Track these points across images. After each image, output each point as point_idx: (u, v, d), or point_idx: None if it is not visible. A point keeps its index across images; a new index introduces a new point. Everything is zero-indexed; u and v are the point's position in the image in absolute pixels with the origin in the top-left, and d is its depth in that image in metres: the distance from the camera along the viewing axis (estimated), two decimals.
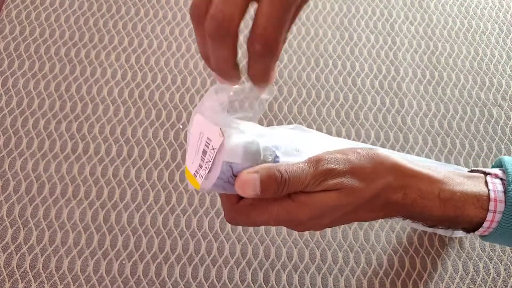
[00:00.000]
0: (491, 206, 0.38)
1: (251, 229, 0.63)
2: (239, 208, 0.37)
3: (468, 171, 0.44)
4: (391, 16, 0.82)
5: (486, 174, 0.41)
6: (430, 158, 0.69)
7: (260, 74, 0.29)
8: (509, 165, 0.39)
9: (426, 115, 0.73)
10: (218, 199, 0.64)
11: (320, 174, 0.35)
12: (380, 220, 0.64)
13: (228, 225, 0.63)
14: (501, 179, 0.40)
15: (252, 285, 0.59)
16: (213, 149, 0.34)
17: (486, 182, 0.40)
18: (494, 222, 0.38)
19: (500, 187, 0.39)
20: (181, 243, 0.61)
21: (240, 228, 0.63)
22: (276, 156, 0.36)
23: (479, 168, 0.42)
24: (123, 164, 0.66)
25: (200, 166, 0.36)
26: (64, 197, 0.64)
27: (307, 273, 0.61)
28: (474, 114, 0.74)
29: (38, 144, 0.67)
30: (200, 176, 0.36)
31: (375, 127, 0.71)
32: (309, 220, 0.36)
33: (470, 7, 0.84)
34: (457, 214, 0.38)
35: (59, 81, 0.72)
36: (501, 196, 0.38)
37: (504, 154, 0.70)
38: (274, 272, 0.60)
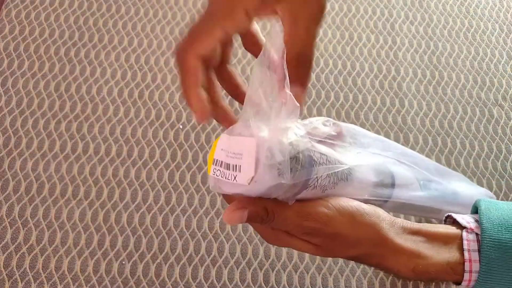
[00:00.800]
0: (467, 266, 0.39)
1: (251, 229, 0.63)
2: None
3: (446, 217, 0.45)
4: (392, 16, 0.82)
5: (462, 228, 0.42)
6: (430, 158, 0.69)
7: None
8: (485, 219, 0.40)
9: (426, 115, 0.73)
10: (218, 199, 0.64)
11: (305, 228, 0.36)
12: None
13: (228, 225, 0.63)
14: (476, 233, 0.40)
15: (252, 285, 0.59)
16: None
17: (461, 244, 0.40)
18: (472, 281, 0.39)
19: (474, 245, 0.40)
20: (181, 243, 0.61)
21: (240, 228, 0.63)
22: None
23: (456, 217, 0.43)
24: (122, 164, 0.66)
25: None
26: (63, 197, 0.64)
27: (307, 273, 0.60)
28: (474, 114, 0.73)
29: (37, 144, 0.67)
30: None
31: (376, 127, 0.71)
32: None
33: (471, 7, 0.84)
34: (432, 279, 0.40)
35: (58, 81, 0.72)
36: (475, 256, 0.39)
37: (505, 154, 0.70)
38: (274, 272, 0.60)
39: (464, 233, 0.41)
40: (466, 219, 0.41)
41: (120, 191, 0.64)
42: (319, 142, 0.36)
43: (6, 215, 0.62)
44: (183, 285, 0.59)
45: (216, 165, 0.33)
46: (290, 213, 0.35)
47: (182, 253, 0.61)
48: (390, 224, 0.39)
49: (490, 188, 0.67)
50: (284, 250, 0.62)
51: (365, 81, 0.75)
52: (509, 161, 0.70)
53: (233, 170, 0.32)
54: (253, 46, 0.36)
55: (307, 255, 0.61)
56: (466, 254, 0.39)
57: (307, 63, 0.29)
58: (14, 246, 0.60)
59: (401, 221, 0.41)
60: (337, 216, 0.36)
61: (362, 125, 0.71)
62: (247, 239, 0.62)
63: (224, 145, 0.33)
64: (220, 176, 0.33)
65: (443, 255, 0.40)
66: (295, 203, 0.35)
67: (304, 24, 0.28)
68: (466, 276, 0.39)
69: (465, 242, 0.40)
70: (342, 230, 0.37)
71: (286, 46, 0.29)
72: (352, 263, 0.61)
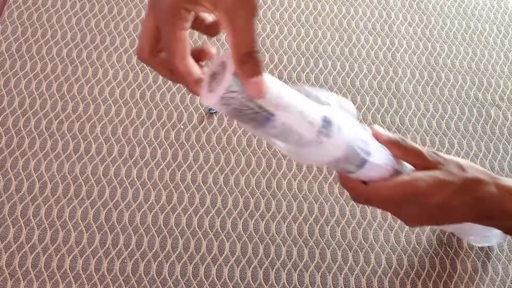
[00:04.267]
0: None
1: (251, 228, 0.63)
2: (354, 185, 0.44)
3: None
4: (390, 17, 0.83)
5: None
6: None
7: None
8: None
9: (424, 115, 0.74)
10: (219, 198, 0.65)
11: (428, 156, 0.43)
12: (378, 218, 0.65)
13: (229, 224, 0.63)
14: None
15: (252, 283, 0.60)
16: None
17: None
18: None
19: None
20: (182, 242, 0.62)
21: (240, 227, 0.63)
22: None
23: None
24: (124, 163, 0.67)
25: None
26: (65, 196, 0.64)
27: (307, 271, 0.61)
28: (472, 114, 0.74)
29: (40, 144, 0.68)
30: None
31: None
32: (409, 199, 0.41)
33: (468, 8, 0.85)
34: None
35: (61, 82, 0.73)
36: None
37: (502, 154, 0.71)
38: (274, 270, 0.61)
39: None
40: None
41: (122, 191, 0.65)
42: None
43: (8, 214, 0.63)
44: (184, 283, 0.60)
45: None
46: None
47: (183, 251, 0.62)
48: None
49: None
50: (284, 248, 0.62)
51: (363, 82, 0.76)
52: (506, 161, 0.70)
53: None
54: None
55: (306, 253, 0.62)
56: None
57: (254, 59, 0.30)
58: (16, 245, 0.61)
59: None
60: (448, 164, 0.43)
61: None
62: (247, 237, 0.63)
63: None
64: None
65: None
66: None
67: (242, 22, 0.29)
68: None
69: None
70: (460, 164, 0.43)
71: (231, 47, 0.30)
72: (350, 261, 0.62)
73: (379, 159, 0.41)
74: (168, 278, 0.60)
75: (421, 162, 0.42)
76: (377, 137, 0.43)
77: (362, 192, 0.43)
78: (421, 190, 0.40)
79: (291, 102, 0.35)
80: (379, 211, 0.65)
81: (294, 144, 0.38)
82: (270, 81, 0.34)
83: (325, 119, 0.37)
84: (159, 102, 0.72)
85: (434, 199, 0.40)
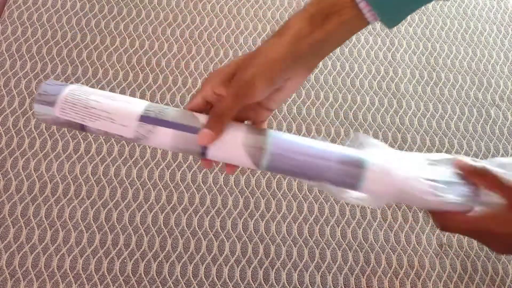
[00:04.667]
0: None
1: (251, 227, 0.63)
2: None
3: None
4: None
5: None
6: None
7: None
8: None
9: (424, 115, 0.74)
10: (219, 198, 0.65)
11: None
12: (378, 218, 0.65)
13: (229, 224, 0.63)
14: None
15: (252, 283, 0.60)
16: None
17: None
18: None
19: None
20: (182, 242, 0.62)
21: (240, 227, 0.63)
22: None
23: None
24: (124, 163, 0.67)
25: None
26: (66, 196, 0.64)
27: (307, 271, 0.61)
28: (472, 114, 0.74)
29: (40, 144, 0.68)
30: None
31: (374, 127, 0.72)
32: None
33: (468, 8, 0.85)
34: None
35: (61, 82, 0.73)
36: None
37: (502, 154, 0.71)
38: (274, 270, 0.61)
39: None
40: None
41: (122, 190, 0.65)
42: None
43: (8, 214, 0.63)
44: (184, 283, 0.60)
45: None
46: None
47: (183, 251, 0.62)
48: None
49: None
50: (284, 248, 0.62)
51: (363, 81, 0.76)
52: None
53: None
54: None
55: (306, 253, 0.62)
56: None
57: (219, 117, 0.37)
58: (16, 245, 0.61)
59: None
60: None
61: (361, 126, 0.72)
62: (247, 237, 0.63)
63: None
64: None
65: None
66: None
67: (231, 96, 0.37)
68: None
69: None
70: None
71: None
72: (350, 261, 0.62)
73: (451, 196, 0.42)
74: (168, 278, 0.60)
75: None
76: (461, 167, 0.41)
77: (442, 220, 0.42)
78: (489, 227, 0.40)
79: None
80: (379, 211, 0.65)
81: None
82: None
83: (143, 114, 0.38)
84: (160, 102, 0.72)
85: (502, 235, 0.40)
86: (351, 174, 0.37)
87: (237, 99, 0.37)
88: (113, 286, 0.59)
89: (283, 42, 0.38)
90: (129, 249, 0.61)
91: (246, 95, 0.37)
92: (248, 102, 0.37)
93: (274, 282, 0.60)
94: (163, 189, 0.65)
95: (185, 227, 0.63)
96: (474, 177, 0.40)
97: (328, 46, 0.38)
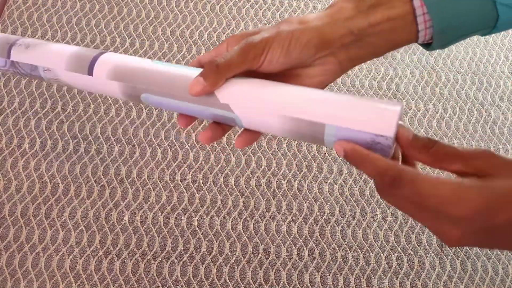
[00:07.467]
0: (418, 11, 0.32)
1: (251, 227, 0.63)
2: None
3: None
4: None
5: None
6: None
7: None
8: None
9: (424, 115, 0.74)
10: (219, 198, 0.65)
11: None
12: (378, 218, 0.65)
13: (229, 224, 0.63)
14: None
15: (252, 283, 0.60)
16: None
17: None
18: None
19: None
20: (182, 242, 0.62)
21: (240, 227, 0.63)
22: None
23: None
24: (124, 163, 0.67)
25: None
26: (66, 196, 0.64)
27: (307, 271, 0.61)
28: (472, 114, 0.74)
29: (40, 144, 0.68)
30: None
31: None
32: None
33: None
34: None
35: None
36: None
37: (502, 154, 0.71)
38: (274, 270, 0.61)
39: None
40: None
41: (122, 190, 0.65)
42: None
43: (8, 214, 0.63)
44: (184, 283, 0.60)
45: None
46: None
47: (183, 251, 0.62)
48: None
49: None
50: (284, 248, 0.62)
51: (363, 81, 0.76)
52: None
53: None
54: None
55: (306, 253, 0.62)
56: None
57: (217, 66, 0.32)
58: (16, 245, 0.61)
59: None
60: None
61: None
62: (247, 237, 0.63)
63: None
64: None
65: None
66: None
67: (238, 51, 0.33)
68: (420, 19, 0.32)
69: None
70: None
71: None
72: (350, 261, 0.62)
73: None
74: (168, 278, 0.60)
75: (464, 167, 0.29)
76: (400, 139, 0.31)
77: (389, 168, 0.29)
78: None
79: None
80: (379, 211, 0.65)
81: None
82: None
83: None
84: None
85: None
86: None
87: (242, 56, 0.32)
88: (113, 286, 0.59)
89: (318, 17, 0.33)
90: (129, 249, 0.61)
91: (255, 56, 0.32)
92: (255, 65, 0.33)
93: (274, 282, 0.60)
94: (163, 189, 0.65)
95: (185, 227, 0.63)
96: (417, 151, 0.30)
97: (365, 44, 0.33)
